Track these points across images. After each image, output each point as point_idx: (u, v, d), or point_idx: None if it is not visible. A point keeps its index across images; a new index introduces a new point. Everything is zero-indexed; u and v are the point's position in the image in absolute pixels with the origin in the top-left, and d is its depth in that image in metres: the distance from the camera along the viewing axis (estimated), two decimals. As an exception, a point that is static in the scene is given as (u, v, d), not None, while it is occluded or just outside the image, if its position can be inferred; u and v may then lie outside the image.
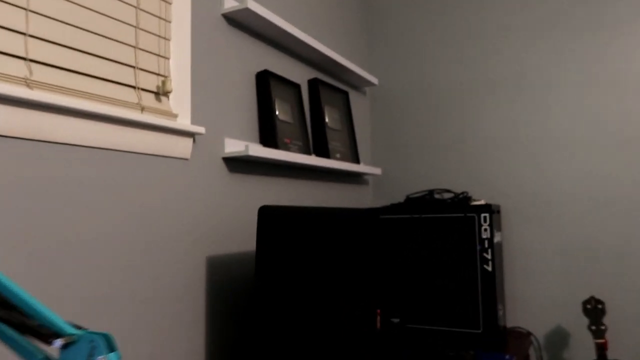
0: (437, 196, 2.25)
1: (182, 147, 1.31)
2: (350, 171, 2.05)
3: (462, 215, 1.98)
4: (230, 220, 1.48)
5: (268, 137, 1.61)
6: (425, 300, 2.03)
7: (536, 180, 2.12)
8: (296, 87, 1.82)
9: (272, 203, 1.67)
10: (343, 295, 1.44)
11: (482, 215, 1.95)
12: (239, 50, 1.58)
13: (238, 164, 1.53)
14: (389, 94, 2.44)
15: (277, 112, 1.67)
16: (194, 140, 1.37)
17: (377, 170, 2.28)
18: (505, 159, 2.17)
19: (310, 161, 1.71)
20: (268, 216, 1.23)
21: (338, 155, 2.02)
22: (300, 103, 1.82)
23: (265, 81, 1.63)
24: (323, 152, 1.91)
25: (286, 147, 1.66)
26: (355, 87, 2.37)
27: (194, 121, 1.37)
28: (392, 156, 2.42)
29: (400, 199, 2.39)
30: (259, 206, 1.60)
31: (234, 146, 1.50)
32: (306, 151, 1.78)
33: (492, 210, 1.94)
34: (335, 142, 2.02)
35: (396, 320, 2.07)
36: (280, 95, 1.71)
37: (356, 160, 2.15)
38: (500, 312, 2.00)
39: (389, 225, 2.14)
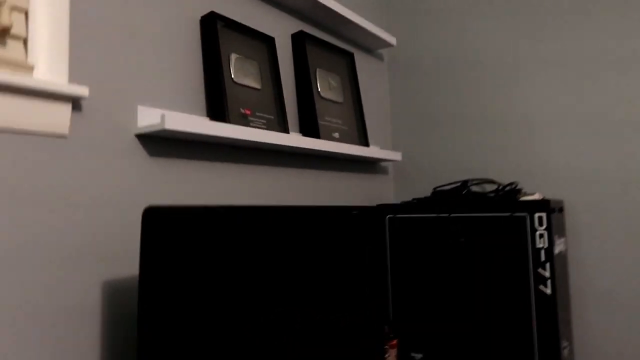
0: (474, 189, 1.69)
1: (50, 117, 0.86)
2: (355, 156, 1.54)
3: (509, 214, 1.42)
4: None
5: (215, 106, 1.14)
6: (457, 332, 1.48)
7: (617, 167, 1.52)
8: (267, 40, 1.33)
9: (228, 201, 1.19)
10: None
11: (537, 215, 1.38)
12: (170, -16, 1.11)
13: (167, 145, 1.07)
14: (413, 58, 1.89)
15: (231, 73, 1.18)
16: (79, 109, 0.91)
17: (395, 155, 1.74)
18: (570, 139, 1.58)
19: (284, 141, 1.22)
20: (157, 222, 0.75)
21: (336, 135, 1.51)
22: (275, 63, 1.33)
23: (211, 28, 1.15)
24: (311, 130, 1.41)
25: (243, 121, 1.17)
26: (367, 49, 1.85)
27: (74, 78, 0.91)
28: (416, 137, 1.87)
29: (427, 192, 1.84)
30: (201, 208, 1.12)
31: (151, 117, 1.03)
32: (279, 127, 1.29)
33: (551, 207, 1.36)
34: (331, 117, 1.51)
35: (418, 356, 1.54)
36: (240, 50, 1.22)
37: (364, 141, 1.63)
38: (565, 351, 1.42)
39: (406, 228, 1.60)
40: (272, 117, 1.27)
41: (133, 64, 1.01)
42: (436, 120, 1.83)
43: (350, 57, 1.67)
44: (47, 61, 0.86)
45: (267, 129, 1.24)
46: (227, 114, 1.13)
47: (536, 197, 1.45)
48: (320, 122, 1.46)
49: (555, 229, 1.41)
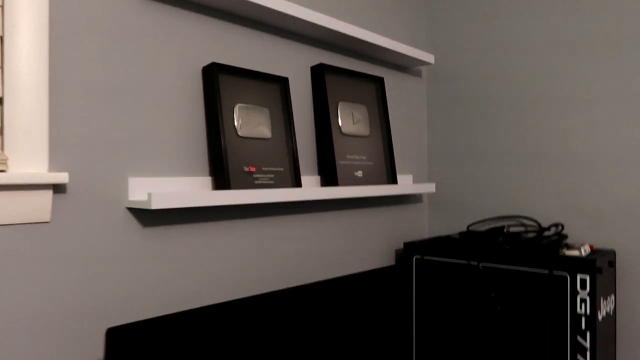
0: (512, 229, 1.53)
1: (30, 206, 0.83)
2: (381, 196, 1.43)
3: (547, 272, 1.27)
4: (143, 302, 0.98)
5: (216, 167, 1.07)
6: (484, 389, 1.38)
7: (683, 215, 1.31)
8: (279, 82, 1.23)
9: (236, 263, 1.14)
10: None
11: (580, 277, 1.23)
12: (167, 33, 1.03)
13: (162, 213, 1.02)
14: (454, 77, 1.72)
15: (235, 127, 1.10)
16: (63, 190, 0.87)
17: (427, 188, 1.61)
18: (626, 179, 1.38)
19: (293, 196, 1.14)
20: (122, 342, 0.70)
21: (358, 174, 1.40)
22: (288, 107, 1.23)
23: (211, 80, 1.07)
24: (328, 175, 1.31)
25: (246, 181, 1.10)
26: (402, 68, 1.70)
27: (56, 160, 0.87)
28: (455, 165, 1.72)
29: (464, 225, 1.70)
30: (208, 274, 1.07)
31: (144, 188, 0.98)
32: (289, 180, 1.20)
33: (597, 267, 1.20)
34: (354, 154, 1.40)
35: (442, 408, 1.45)
36: (246, 98, 1.14)
37: (391, 177, 1.51)
38: None
39: (433, 271, 1.49)
40: (282, 169, 1.18)
41: (122, 130, 0.96)
42: (477, 148, 1.67)
43: (379, 82, 1.53)
44: (25, 150, 0.82)
45: (274, 184, 1.15)
46: (227, 176, 1.06)
47: (583, 251, 1.29)
48: (340, 163, 1.36)
49: (601, 289, 1.25)
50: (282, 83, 1.23)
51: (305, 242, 1.31)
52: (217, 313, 0.97)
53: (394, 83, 1.65)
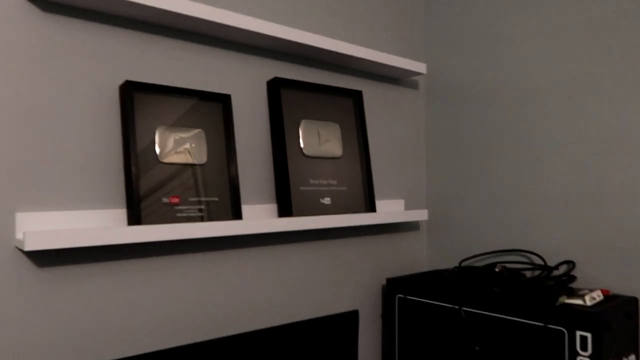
0: (513, 266, 1.30)
1: None
2: (353, 227, 1.25)
3: (541, 325, 1.04)
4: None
5: (129, 199, 0.94)
6: None
7: None
8: (219, 100, 1.09)
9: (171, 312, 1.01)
10: None
11: (579, 334, 0.99)
12: (77, 49, 0.93)
13: (63, 252, 0.90)
14: (454, 88, 1.51)
15: (156, 151, 0.98)
16: None
17: (419, 215, 1.41)
18: (657, 207, 1.11)
19: (225, 230, 0.99)
20: None
21: (325, 201, 1.23)
22: (228, 127, 1.09)
23: (127, 98, 0.95)
24: (284, 204, 1.16)
25: (166, 214, 0.96)
26: (391, 79, 1.51)
27: None
28: (455, 189, 1.50)
29: (470, 253, 1.47)
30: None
31: (36, 224, 0.87)
32: (224, 212, 1.05)
33: (601, 323, 0.96)
34: (321, 179, 1.24)
35: None
36: (172, 119, 1.01)
37: (369, 203, 1.32)
38: None
39: (417, 312, 1.29)
40: (217, 198, 1.04)
41: (10, 158, 0.86)
42: (483, 169, 1.44)
43: (355, 97, 1.36)
44: None
45: (203, 217, 1.01)
46: (138, 209, 0.93)
47: (589, 299, 1.04)
48: (301, 189, 1.20)
49: (612, 349, 1.00)
50: (223, 101, 1.10)
51: (254, 281, 1.16)
52: (111, 370, 0.83)
53: (382, 96, 1.47)
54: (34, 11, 0.88)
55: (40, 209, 0.88)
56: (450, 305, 1.18)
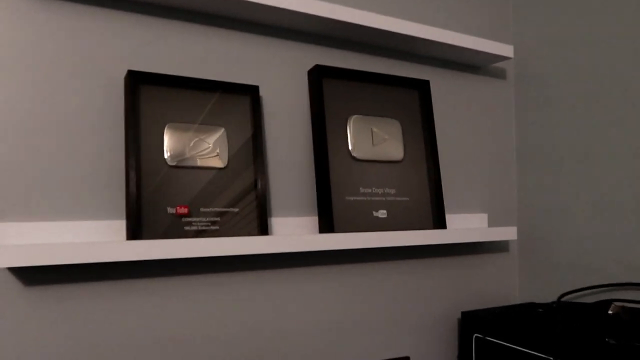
0: (631, 305, 0.97)
1: None
2: (416, 246, 1.00)
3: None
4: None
5: (129, 207, 0.80)
6: None
7: None
8: (246, 92, 0.92)
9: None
10: None
11: None
12: (78, 37, 0.81)
13: (54, 269, 0.78)
14: (555, 76, 1.21)
15: (164, 152, 0.83)
16: None
17: (504, 233, 1.13)
18: None
19: (243, 249, 0.81)
20: None
21: (381, 214, 1.01)
22: (257, 123, 0.91)
23: (131, 90, 0.81)
24: (325, 218, 0.95)
25: (172, 228, 0.80)
26: (470, 67, 1.24)
27: None
28: (556, 201, 1.19)
29: (572, 286, 1.14)
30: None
31: (21, 237, 0.75)
32: (249, 225, 0.87)
33: None
34: (377, 186, 1.02)
35: None
36: (180, 115, 0.86)
37: (437, 217, 1.07)
38: None
39: (498, 357, 1.01)
40: (237, 209, 0.87)
41: (-2, 165, 0.75)
42: (592, 179, 1.12)
43: (421, 87, 1.12)
44: None
45: (218, 232, 0.84)
46: (137, 221, 0.78)
47: None
48: (350, 199, 0.98)
49: None
50: (249, 94, 0.92)
51: (282, 311, 0.96)
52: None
53: (455, 87, 1.21)
54: (26, -6, 0.78)
55: (27, 218, 0.76)
56: (541, 355, 0.89)
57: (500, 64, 1.29)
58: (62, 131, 0.79)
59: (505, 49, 1.16)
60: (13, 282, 0.75)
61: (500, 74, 1.28)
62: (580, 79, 1.13)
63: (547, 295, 1.19)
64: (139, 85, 0.82)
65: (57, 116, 0.79)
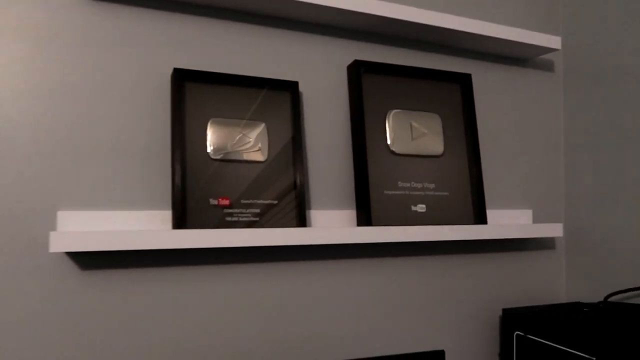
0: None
1: None
2: (456, 241, 1.00)
3: None
4: None
5: (176, 198, 0.84)
6: None
7: None
8: (285, 88, 0.95)
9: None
10: None
11: None
12: (129, 37, 0.86)
13: (109, 255, 0.84)
14: (602, 68, 1.16)
15: (207, 146, 0.87)
16: (-23, 224, 0.77)
17: (549, 230, 1.10)
18: None
19: (282, 239, 0.84)
20: None
21: (419, 209, 1.01)
22: (295, 117, 0.94)
23: (177, 88, 0.86)
24: (363, 212, 0.97)
25: (214, 218, 0.84)
26: (514, 60, 1.21)
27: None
28: (607, 198, 1.15)
29: (623, 285, 1.10)
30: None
31: (76, 224, 0.81)
32: (287, 217, 0.90)
33: None
34: (416, 181, 1.02)
35: None
36: (231, 111, 0.89)
37: (477, 211, 1.06)
38: None
39: (540, 355, 1.00)
40: (276, 202, 0.90)
41: (54, 155, 0.81)
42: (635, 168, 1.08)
43: (462, 81, 1.11)
44: None
45: (258, 223, 0.87)
46: (183, 211, 0.82)
47: None
48: (389, 193, 0.99)
49: None
50: (288, 90, 0.95)
51: (318, 301, 0.98)
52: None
53: (499, 81, 1.19)
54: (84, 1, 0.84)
55: (83, 208, 0.82)
56: (584, 355, 0.87)
57: (547, 56, 1.25)
58: (114, 127, 0.84)
59: (552, 41, 1.13)
60: (71, 265, 0.81)
61: (547, 66, 1.25)
62: (634, 70, 1.09)
63: (595, 295, 1.15)
64: (184, 82, 0.87)
65: (109, 113, 0.84)
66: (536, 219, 1.21)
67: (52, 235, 0.71)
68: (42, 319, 0.79)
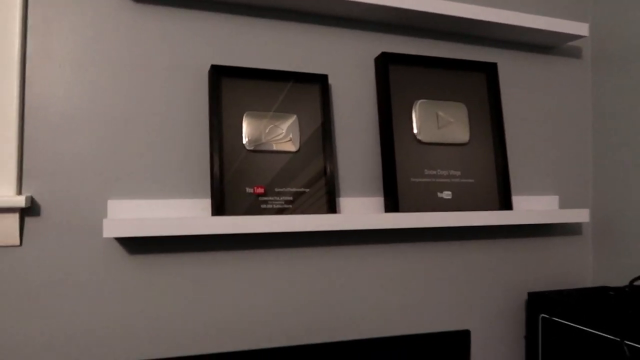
0: None
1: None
2: (483, 227, 1.03)
3: None
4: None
5: (214, 188, 0.90)
6: None
7: None
8: (316, 81, 0.99)
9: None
10: None
11: None
12: (168, 35, 0.92)
13: (154, 240, 0.91)
14: (631, 53, 1.16)
15: (242, 138, 0.92)
16: (36, 213, 0.84)
17: (575, 215, 1.12)
18: None
19: (313, 225, 0.89)
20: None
21: (445, 195, 1.05)
22: (326, 110, 0.98)
23: (214, 83, 0.91)
24: (390, 198, 1.01)
25: (250, 206, 0.90)
26: (541, 47, 1.22)
27: (30, 179, 0.84)
28: (627, 182, 1.15)
29: (629, 277, 1.11)
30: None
31: (125, 212, 0.88)
32: (318, 205, 0.94)
33: None
34: (440, 169, 1.05)
35: None
36: (255, 103, 0.94)
37: (503, 198, 1.08)
38: None
39: (565, 337, 1.03)
40: (307, 189, 0.95)
41: (104, 148, 0.88)
42: (662, 155, 1.08)
43: (488, 70, 1.13)
44: (-9, 170, 0.82)
45: (290, 210, 0.93)
46: (221, 199, 0.88)
47: None
48: (415, 180, 1.03)
49: None
50: (318, 82, 0.99)
51: (347, 284, 1.03)
52: (182, 365, 0.80)
53: (525, 69, 1.20)
54: (126, 3, 0.90)
55: (130, 197, 0.89)
56: (608, 336, 0.89)
57: (575, 43, 1.25)
58: (157, 123, 0.91)
59: (579, 28, 1.14)
60: (119, 250, 0.88)
61: (575, 53, 1.25)
62: (661, 56, 1.08)
63: (622, 280, 1.16)
64: (220, 77, 0.92)
65: (153, 109, 0.90)
66: (563, 205, 1.22)
67: (105, 222, 0.78)
68: (95, 297, 0.87)
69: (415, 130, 1.05)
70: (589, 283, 1.25)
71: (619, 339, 0.86)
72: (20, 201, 0.80)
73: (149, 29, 0.91)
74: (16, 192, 0.83)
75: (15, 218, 0.83)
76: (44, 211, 0.85)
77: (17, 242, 0.83)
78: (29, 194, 0.84)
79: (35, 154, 0.85)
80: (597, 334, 0.92)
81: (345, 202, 1.02)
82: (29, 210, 0.84)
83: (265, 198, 0.91)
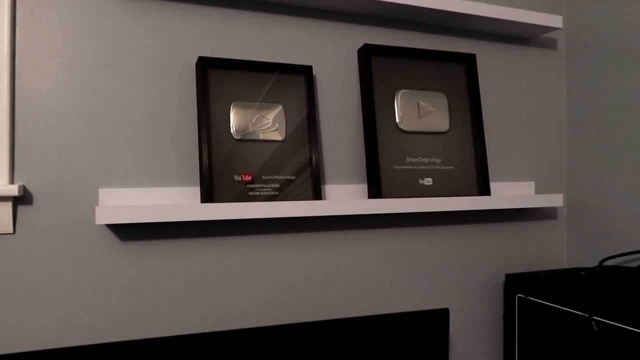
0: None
1: (-11, 217, 0.84)
2: (462, 212, 1.07)
3: None
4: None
5: (203, 175, 0.93)
6: None
7: None
8: (300, 72, 1.02)
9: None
10: None
11: None
12: (154, 28, 0.94)
13: (143, 227, 0.93)
14: (603, 45, 1.21)
15: (230, 127, 0.95)
16: (28, 202, 0.87)
17: (550, 200, 1.17)
18: None
19: (300, 211, 0.93)
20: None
21: (426, 182, 1.09)
22: (311, 101, 1.02)
23: (201, 74, 0.94)
24: (374, 185, 1.05)
25: (238, 193, 0.93)
26: (519, 39, 1.27)
27: (21, 168, 0.86)
28: (607, 169, 1.21)
29: (600, 259, 1.17)
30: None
31: (116, 200, 0.91)
32: (304, 192, 0.98)
33: None
34: (421, 156, 1.09)
35: None
36: (244, 94, 0.97)
37: (482, 184, 1.13)
38: None
39: (540, 316, 1.09)
40: (294, 177, 0.98)
41: (94, 138, 0.90)
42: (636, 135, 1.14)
43: (467, 61, 1.17)
44: (-16, 160, 0.84)
45: (278, 197, 0.96)
46: (209, 186, 0.91)
47: None
48: (398, 168, 1.07)
49: None
50: (303, 73, 1.02)
51: (333, 268, 1.07)
52: (204, 343, 0.84)
53: (502, 60, 1.24)
54: (114, -6, 0.92)
55: (121, 185, 0.91)
56: (578, 313, 0.95)
57: (550, 35, 1.30)
58: (145, 113, 0.93)
59: (554, 20, 1.18)
60: (111, 237, 0.91)
61: (550, 45, 1.30)
62: (634, 48, 1.14)
63: (595, 261, 1.22)
64: (208, 69, 0.95)
65: (142, 100, 0.93)
66: (539, 191, 1.28)
67: (97, 209, 0.81)
68: (87, 283, 0.89)
69: (397, 120, 1.09)
70: (564, 265, 1.31)
71: (587, 315, 0.92)
72: (14, 190, 0.82)
73: (136, 22, 0.93)
74: (8, 181, 0.85)
75: (8, 207, 0.85)
76: (37, 200, 0.87)
77: (11, 229, 0.85)
78: (21, 183, 0.86)
79: (27, 144, 0.86)
80: (568, 311, 0.97)
81: (330, 189, 1.05)
82: (22, 199, 0.86)
83: (253, 186, 0.94)
